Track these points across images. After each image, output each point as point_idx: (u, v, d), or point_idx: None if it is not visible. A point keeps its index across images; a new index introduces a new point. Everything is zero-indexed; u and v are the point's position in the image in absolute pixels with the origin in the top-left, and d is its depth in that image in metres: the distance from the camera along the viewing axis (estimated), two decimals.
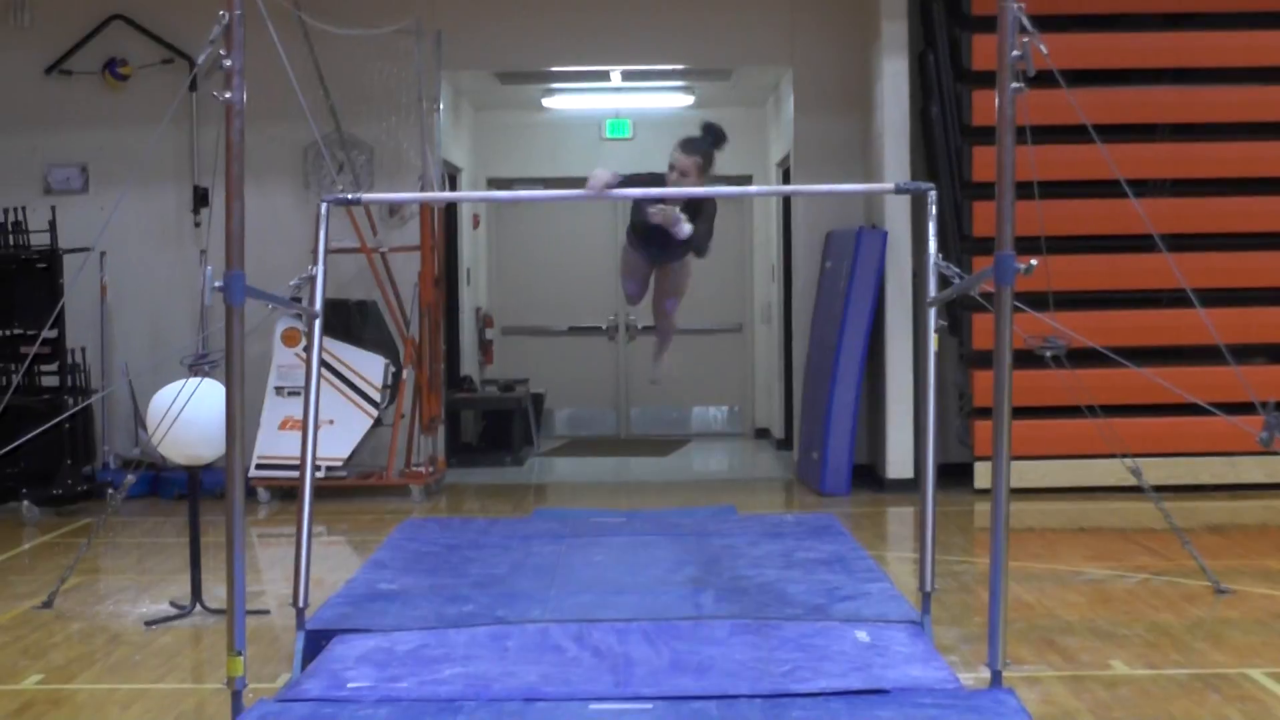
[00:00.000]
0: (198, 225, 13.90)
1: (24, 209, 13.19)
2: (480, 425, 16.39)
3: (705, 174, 7.72)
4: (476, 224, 17.52)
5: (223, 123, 5.62)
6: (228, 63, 5.51)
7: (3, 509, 12.42)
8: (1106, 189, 11.29)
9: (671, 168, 7.65)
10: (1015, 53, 5.52)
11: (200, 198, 13.89)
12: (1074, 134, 9.25)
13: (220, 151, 5.73)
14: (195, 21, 13.31)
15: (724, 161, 18.62)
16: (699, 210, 7.70)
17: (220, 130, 5.72)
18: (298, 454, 7.22)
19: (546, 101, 17.39)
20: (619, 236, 18.32)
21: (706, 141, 7.70)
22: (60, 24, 13.98)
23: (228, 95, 5.52)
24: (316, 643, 7.00)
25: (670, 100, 17.28)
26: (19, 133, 13.98)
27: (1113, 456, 9.49)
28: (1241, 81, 13.02)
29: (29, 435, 7.65)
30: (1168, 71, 13.13)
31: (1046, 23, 6.89)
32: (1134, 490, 9.51)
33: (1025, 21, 5.51)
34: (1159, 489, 9.41)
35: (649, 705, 5.93)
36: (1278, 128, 13.02)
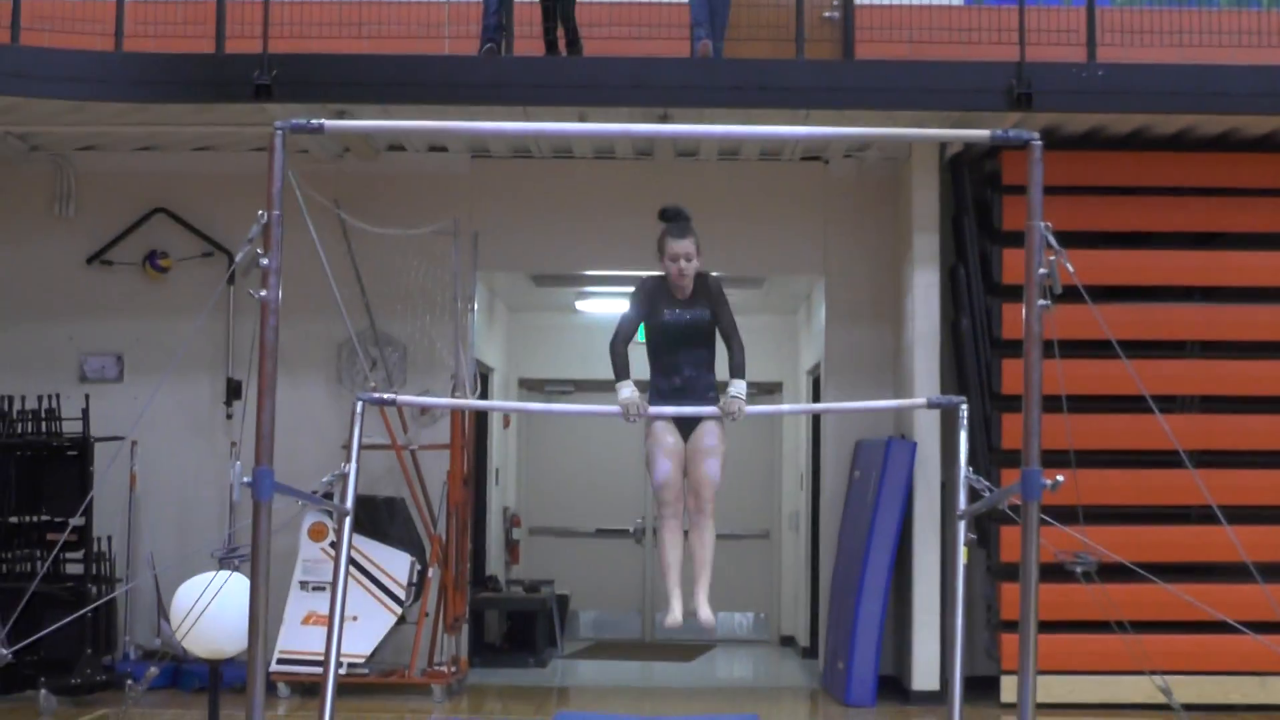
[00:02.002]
0: (229, 417, 13.97)
1: (58, 396, 13.28)
2: (504, 625, 16.30)
3: (700, 249, 7.83)
4: (507, 424, 17.58)
5: (258, 316, 5.68)
6: (265, 262, 5.59)
7: (20, 697, 12.33)
8: (1135, 404, 11.29)
9: (673, 259, 7.79)
10: (1042, 271, 5.58)
11: (233, 390, 13.97)
12: (1103, 349, 9.27)
13: (254, 345, 5.79)
14: (236, 216, 13.63)
15: (754, 368, 18.76)
16: (711, 296, 7.82)
17: (256, 323, 5.78)
18: (320, 649, 7.20)
19: (580, 304, 17.53)
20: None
21: (683, 217, 7.85)
22: (103, 216, 14.19)
23: (264, 293, 5.59)
24: None
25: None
26: (57, 321, 14.13)
27: (1142, 673, 9.42)
28: (1269, 301, 13.06)
29: (52, 627, 7.63)
30: (1196, 289, 13.20)
31: (1075, 239, 6.98)
32: (1164, 708, 9.39)
33: (1052, 240, 5.58)
34: (1189, 708, 9.30)
35: None
36: None
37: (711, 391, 7.76)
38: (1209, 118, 12.53)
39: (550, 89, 12.04)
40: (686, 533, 8.07)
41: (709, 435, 7.80)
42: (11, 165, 14.08)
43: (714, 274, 7.94)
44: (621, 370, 7.69)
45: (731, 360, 7.72)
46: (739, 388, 7.60)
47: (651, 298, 7.80)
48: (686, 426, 7.85)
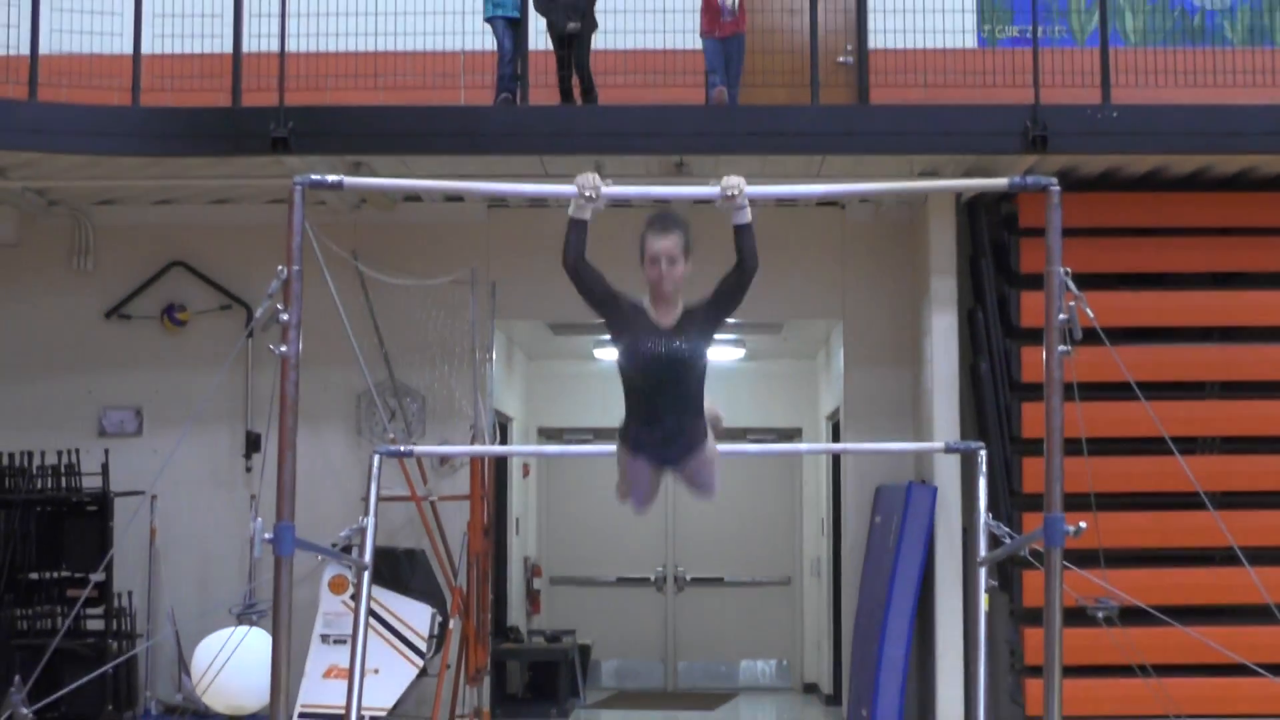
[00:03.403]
0: (249, 470, 13.99)
1: (77, 451, 13.32)
2: (526, 676, 16.26)
3: (690, 253, 6.26)
4: (526, 473, 17.59)
5: (277, 370, 5.68)
6: (285, 316, 5.60)
7: None
8: (1156, 446, 11.28)
9: (653, 261, 6.22)
10: (1062, 316, 5.59)
11: (252, 443, 13.98)
12: (1122, 391, 9.27)
13: (274, 398, 5.79)
14: (254, 269, 13.73)
15: (774, 414, 18.63)
16: (704, 314, 6.30)
17: (275, 376, 5.79)
18: (342, 703, 7.21)
19: (598, 352, 17.54)
20: (666, 483, 18.36)
21: (670, 216, 6.30)
22: (121, 269, 14.25)
23: (284, 349, 5.59)
24: None
25: (722, 354, 17.39)
26: (75, 375, 14.17)
27: (1167, 718, 9.37)
28: None
29: (74, 684, 7.64)
30: (1215, 330, 13.19)
31: (1093, 280, 6.97)
32: None
33: (1071, 285, 5.59)
34: None
35: None
36: None
37: (699, 443, 6.36)
38: (1225, 157, 12.54)
39: (566, 137, 12.09)
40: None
41: (702, 469, 6.43)
42: (30, 220, 14.16)
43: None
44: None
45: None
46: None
47: (629, 314, 6.28)
48: (669, 462, 6.40)
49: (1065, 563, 5.82)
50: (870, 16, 12.39)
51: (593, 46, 12.60)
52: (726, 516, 18.20)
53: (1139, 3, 13.58)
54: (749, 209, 6.11)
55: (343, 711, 7.16)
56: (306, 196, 5.75)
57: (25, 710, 5.88)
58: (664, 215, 6.28)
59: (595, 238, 6.31)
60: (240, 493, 13.98)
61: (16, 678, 6.06)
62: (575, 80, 12.55)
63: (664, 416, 6.25)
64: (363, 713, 7.71)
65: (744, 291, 6.21)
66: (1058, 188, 5.77)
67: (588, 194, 6.22)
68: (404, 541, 13.66)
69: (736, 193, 6.08)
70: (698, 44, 12.57)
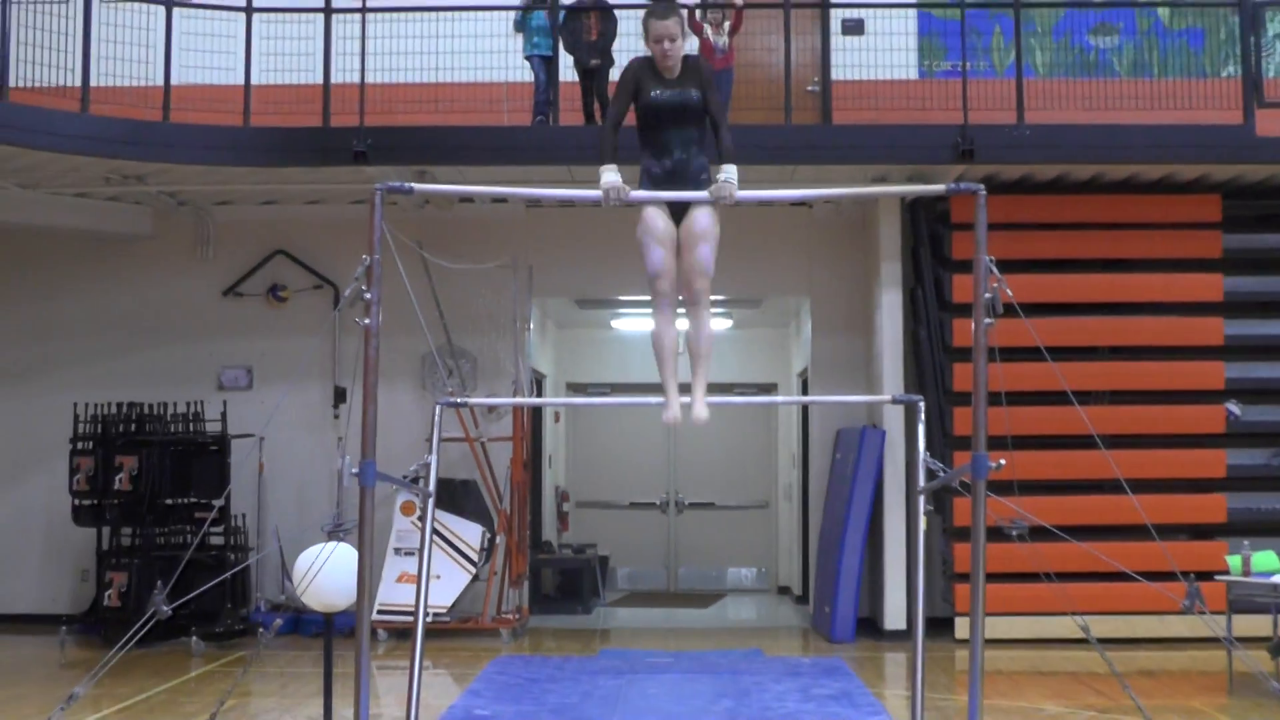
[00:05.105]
0: (336, 417, 14.01)
1: (202, 403, 13.35)
2: (557, 580, 16.29)
3: (685, 33, 6.30)
4: (557, 419, 17.59)
5: (361, 338, 5.70)
6: (368, 295, 5.61)
7: (176, 643, 12.39)
8: (1060, 398, 11.27)
9: (656, 40, 6.24)
10: (986, 295, 5.59)
11: (339, 395, 14.01)
12: (1034, 354, 9.27)
13: (358, 361, 5.81)
14: (341, 256, 13.75)
15: (754, 371, 18.51)
16: (701, 78, 6.28)
17: (358, 343, 5.81)
18: (411, 602, 7.23)
19: (615, 323, 17.53)
20: (672, 430, 18.37)
21: (669, 4, 6.30)
22: (234, 257, 14.26)
23: (367, 321, 5.60)
24: None
25: (713, 325, 17.26)
26: (199, 342, 14.20)
27: (1065, 614, 9.38)
28: (1165, 314, 13.05)
29: (202, 589, 7.68)
30: (1107, 305, 13.17)
31: (1011, 266, 6.94)
32: (1083, 642, 9.39)
33: (994, 269, 5.59)
34: (1103, 641, 9.26)
35: None
36: (1193, 351, 13.03)
37: (704, 174, 6.29)
38: (1114, 166, 12.53)
39: (589, 150, 12.02)
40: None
41: (701, 219, 6.27)
42: (163, 217, 14.17)
43: (704, 60, 6.46)
44: (607, 154, 6.23)
45: (720, 144, 6.22)
46: (729, 172, 6.16)
47: (638, 78, 6.28)
48: (679, 210, 6.31)
49: (987, 491, 5.83)
50: (833, 54, 12.35)
51: (610, 78, 12.56)
52: (717, 453, 18.22)
53: (1046, 42, 13.53)
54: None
55: (412, 608, 7.18)
56: (383, 199, 5.76)
57: (166, 609, 5.93)
58: (661, 3, 6.33)
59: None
60: (329, 435, 14.01)
61: (159, 583, 6.10)
62: (596, 105, 12.52)
63: (672, 149, 6.28)
64: (428, 610, 7.73)
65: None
66: (984, 191, 5.77)
67: (612, 199, 6.23)
68: (460, 474, 13.69)
69: (730, 189, 6.17)
70: None
